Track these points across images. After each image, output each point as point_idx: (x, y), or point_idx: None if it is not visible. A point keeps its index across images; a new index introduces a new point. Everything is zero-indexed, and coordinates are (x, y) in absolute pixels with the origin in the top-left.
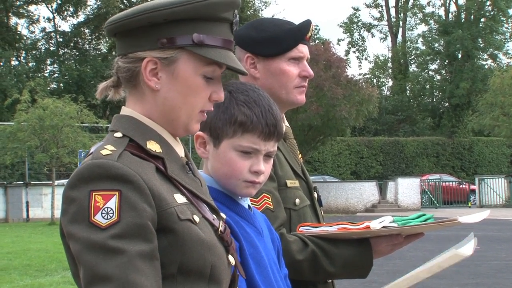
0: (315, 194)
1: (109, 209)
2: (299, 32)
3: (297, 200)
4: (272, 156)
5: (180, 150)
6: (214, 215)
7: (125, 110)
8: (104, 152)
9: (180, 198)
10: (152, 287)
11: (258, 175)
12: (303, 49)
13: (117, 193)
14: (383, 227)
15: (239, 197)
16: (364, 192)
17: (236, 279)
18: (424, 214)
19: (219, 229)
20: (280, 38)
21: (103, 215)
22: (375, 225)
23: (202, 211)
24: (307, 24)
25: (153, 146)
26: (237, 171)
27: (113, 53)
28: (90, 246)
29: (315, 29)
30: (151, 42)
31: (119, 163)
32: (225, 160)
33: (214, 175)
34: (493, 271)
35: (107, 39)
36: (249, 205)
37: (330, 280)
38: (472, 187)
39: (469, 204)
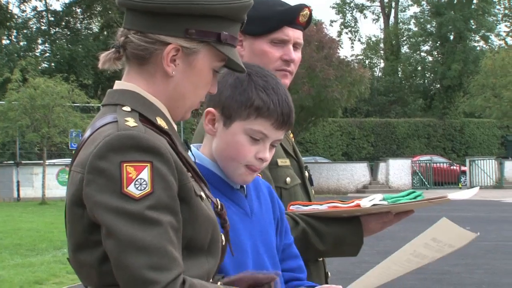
0: (306, 173)
1: (142, 180)
2: (285, 15)
3: (288, 179)
4: (275, 146)
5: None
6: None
7: (126, 85)
8: (130, 123)
9: (189, 174)
10: (180, 257)
11: (262, 162)
12: (289, 32)
13: (149, 164)
14: (373, 205)
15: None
16: (355, 173)
17: (223, 256)
18: (414, 191)
19: (218, 207)
20: (266, 19)
21: (137, 186)
22: (365, 203)
23: (203, 188)
24: (296, 8)
25: (162, 122)
26: (241, 155)
27: (105, 32)
28: (125, 216)
29: None
30: (178, 30)
31: (148, 135)
32: (233, 141)
33: (216, 153)
34: (483, 251)
35: (98, 19)
36: (242, 185)
37: (321, 259)
38: (462, 168)
39: (460, 185)
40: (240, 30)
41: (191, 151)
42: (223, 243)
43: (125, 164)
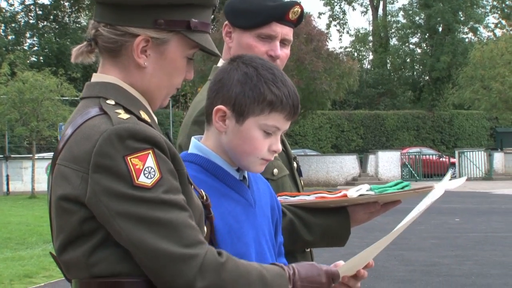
0: (295, 164)
1: (150, 168)
2: (274, 11)
3: (275, 170)
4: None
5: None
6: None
7: (106, 78)
8: (123, 116)
9: None
10: (198, 231)
11: (275, 153)
12: (277, 29)
13: (150, 151)
14: (360, 195)
15: (235, 168)
16: (345, 165)
17: None
18: (401, 182)
19: (204, 197)
20: (255, 13)
21: (146, 175)
22: (352, 193)
23: (189, 179)
24: (287, 4)
25: (145, 116)
26: (258, 150)
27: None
28: (145, 206)
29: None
30: (147, 21)
31: (142, 126)
32: (248, 137)
33: (230, 149)
34: (472, 243)
35: (87, 12)
36: (244, 176)
37: (308, 249)
38: (452, 160)
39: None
40: (213, 13)
41: (171, 142)
42: (205, 234)
43: (129, 158)
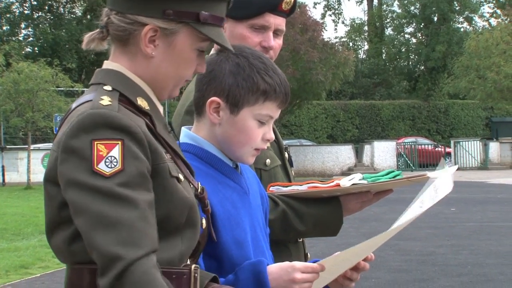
0: (286, 155)
1: (112, 158)
2: (266, 2)
3: (268, 161)
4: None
5: (161, 109)
6: (191, 176)
7: (112, 65)
8: (104, 102)
9: (167, 156)
10: (154, 234)
11: (268, 142)
12: (270, 19)
13: (120, 142)
14: (353, 184)
15: (227, 157)
16: (340, 155)
17: (203, 239)
18: (393, 171)
19: (198, 190)
20: (248, 3)
21: (107, 163)
22: (345, 182)
23: (184, 170)
24: None
25: (143, 103)
26: (252, 139)
27: (88, 16)
28: (95, 193)
29: None
30: (156, 11)
31: (120, 114)
32: (243, 127)
33: (225, 140)
34: (468, 232)
35: (81, 3)
36: (236, 164)
37: (301, 240)
38: (447, 150)
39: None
40: (227, 9)
41: (174, 132)
42: (204, 227)
43: (96, 142)
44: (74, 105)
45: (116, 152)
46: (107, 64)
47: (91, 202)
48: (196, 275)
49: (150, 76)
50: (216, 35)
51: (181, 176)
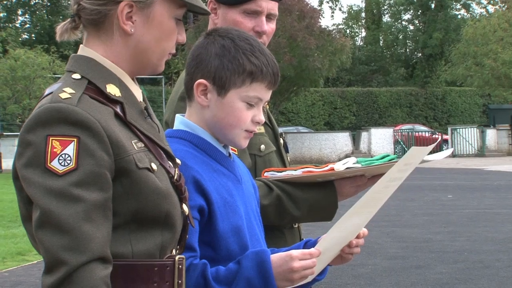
0: (281, 141)
1: (66, 156)
2: None
3: (262, 146)
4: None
5: (138, 94)
6: (170, 162)
7: (84, 50)
8: (63, 95)
9: (138, 145)
10: (103, 237)
11: (258, 125)
12: (262, 3)
13: (75, 139)
14: (347, 168)
15: (222, 145)
16: (338, 142)
17: (187, 227)
18: (388, 155)
19: (175, 177)
20: None
21: (60, 161)
22: (339, 166)
23: (159, 158)
24: None
25: (113, 90)
26: (242, 121)
27: None
28: (46, 192)
29: None
30: None
31: (78, 108)
32: (231, 110)
33: (214, 123)
34: (465, 219)
35: None
36: (229, 153)
37: (296, 225)
38: (445, 137)
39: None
40: None
41: (151, 118)
42: (187, 214)
43: (51, 138)
44: (47, 91)
45: (70, 149)
46: (81, 50)
47: (41, 199)
48: (180, 266)
49: (130, 54)
50: None
51: (153, 166)
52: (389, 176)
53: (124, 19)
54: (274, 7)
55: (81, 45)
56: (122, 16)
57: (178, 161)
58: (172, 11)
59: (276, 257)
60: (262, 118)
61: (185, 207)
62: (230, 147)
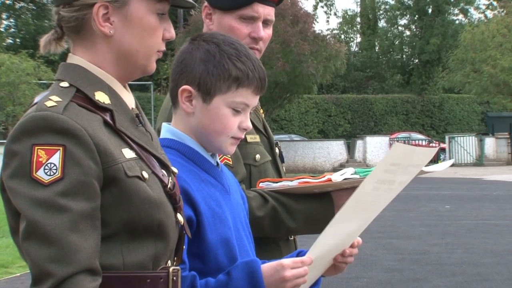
0: (277, 150)
1: (52, 165)
2: None
3: (258, 156)
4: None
5: (130, 101)
6: (163, 171)
7: (73, 58)
8: (48, 103)
9: (128, 153)
10: (91, 248)
11: (245, 131)
12: (259, 9)
13: (61, 148)
14: (345, 179)
15: (210, 154)
16: (332, 151)
17: (183, 237)
18: None
19: (168, 186)
20: None
21: (46, 171)
22: (337, 177)
23: (151, 166)
24: None
25: (102, 97)
26: (228, 128)
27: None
28: (31, 202)
29: None
30: None
31: (64, 116)
32: (217, 116)
33: (200, 130)
34: (463, 230)
35: None
36: (217, 162)
37: (292, 238)
38: (442, 145)
39: (439, 163)
40: None
41: (143, 126)
42: (182, 224)
43: (36, 147)
44: (35, 100)
45: (56, 158)
46: (69, 58)
47: (27, 210)
48: (175, 278)
49: (115, 57)
50: None
51: (145, 174)
52: (375, 177)
53: (100, 21)
54: (270, 13)
55: (69, 54)
56: (98, 18)
57: (174, 169)
58: (151, 6)
59: (267, 267)
60: (249, 124)
61: (179, 216)
62: (224, 156)
